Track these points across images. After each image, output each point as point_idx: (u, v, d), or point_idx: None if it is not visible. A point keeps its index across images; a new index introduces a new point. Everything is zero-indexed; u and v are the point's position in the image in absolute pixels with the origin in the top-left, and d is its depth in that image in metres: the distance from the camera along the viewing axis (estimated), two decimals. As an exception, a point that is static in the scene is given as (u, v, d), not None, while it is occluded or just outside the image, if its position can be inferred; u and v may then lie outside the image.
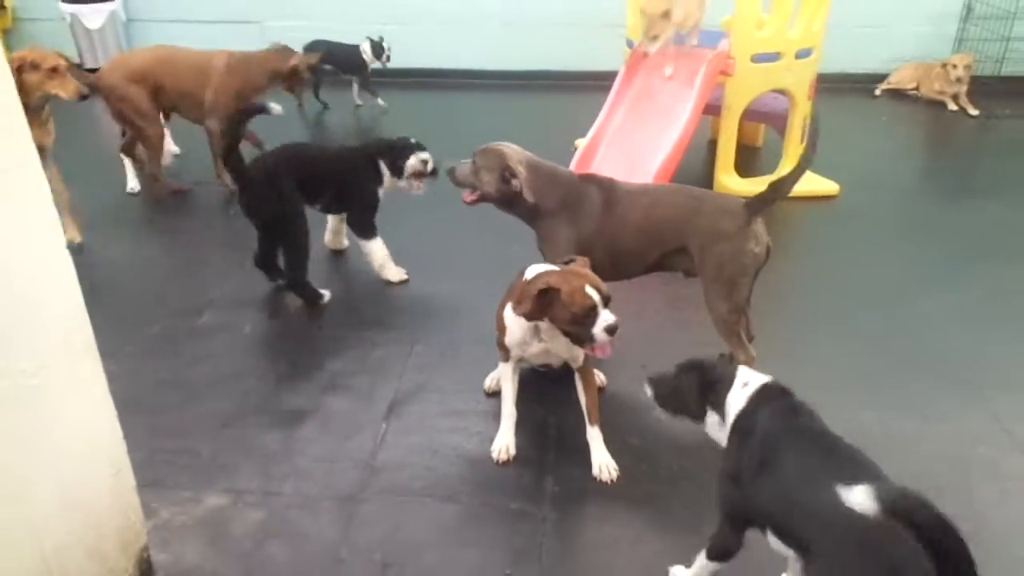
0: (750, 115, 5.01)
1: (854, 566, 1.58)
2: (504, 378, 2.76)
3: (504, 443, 2.72)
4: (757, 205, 2.84)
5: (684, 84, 4.49)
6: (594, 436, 2.68)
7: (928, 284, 3.88)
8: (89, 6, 7.17)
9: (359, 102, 6.66)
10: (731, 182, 4.81)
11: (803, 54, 4.63)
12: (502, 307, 2.69)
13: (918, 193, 5.18)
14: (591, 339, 2.39)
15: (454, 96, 7.06)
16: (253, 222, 3.63)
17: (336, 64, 6.41)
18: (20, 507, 1.68)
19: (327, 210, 3.95)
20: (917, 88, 6.90)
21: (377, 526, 2.44)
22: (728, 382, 2.03)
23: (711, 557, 2.07)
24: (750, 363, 2.82)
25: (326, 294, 3.68)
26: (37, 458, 1.73)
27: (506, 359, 2.72)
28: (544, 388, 3.03)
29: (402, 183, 3.78)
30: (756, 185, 4.82)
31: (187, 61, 4.77)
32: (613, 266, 2.92)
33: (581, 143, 4.77)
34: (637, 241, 2.93)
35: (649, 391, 2.18)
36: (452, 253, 4.17)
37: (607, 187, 3.01)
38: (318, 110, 6.56)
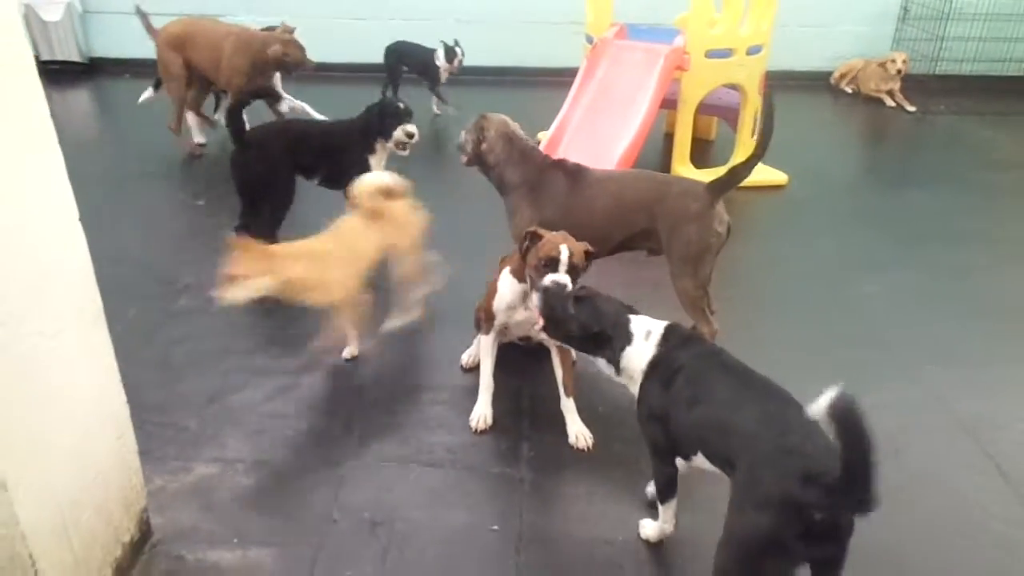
0: (704, 109, 5.25)
1: (774, 472, 1.77)
2: (484, 351, 2.92)
3: (482, 413, 2.88)
4: (719, 188, 3.05)
5: (643, 78, 4.70)
6: (569, 407, 2.86)
7: (870, 267, 4.15)
8: (45, -2, 7.11)
9: (437, 111, 6.40)
10: (687, 173, 5.03)
11: (754, 50, 4.88)
12: (497, 273, 2.88)
13: (860, 183, 5.50)
14: (536, 288, 2.53)
15: (413, 91, 7.16)
16: (237, 184, 3.83)
17: (410, 67, 6.33)
18: (40, 460, 1.78)
19: (326, 184, 3.99)
20: (856, 85, 7.25)
21: (366, 490, 2.58)
22: (625, 337, 2.23)
23: (660, 495, 2.30)
24: (714, 335, 3.04)
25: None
26: (53, 416, 1.84)
27: (488, 331, 2.89)
28: (518, 361, 3.19)
29: (389, 144, 3.91)
30: (710, 175, 5.06)
31: (205, 37, 5.15)
32: None
33: (544, 136, 4.95)
34: (605, 224, 3.10)
35: (537, 302, 2.38)
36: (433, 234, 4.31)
37: (574, 173, 3.19)
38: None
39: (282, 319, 3.53)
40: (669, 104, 5.02)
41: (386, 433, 2.85)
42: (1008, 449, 2.81)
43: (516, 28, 7.28)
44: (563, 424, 2.85)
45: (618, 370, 2.28)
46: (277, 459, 2.71)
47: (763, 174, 5.12)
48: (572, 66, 5.33)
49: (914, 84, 6.98)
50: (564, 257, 2.54)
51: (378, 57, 6.33)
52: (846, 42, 7.44)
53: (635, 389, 2.26)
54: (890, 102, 6.95)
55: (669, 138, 5.36)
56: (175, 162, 5.10)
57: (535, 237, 2.63)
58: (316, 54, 7.32)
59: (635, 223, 3.10)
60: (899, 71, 6.81)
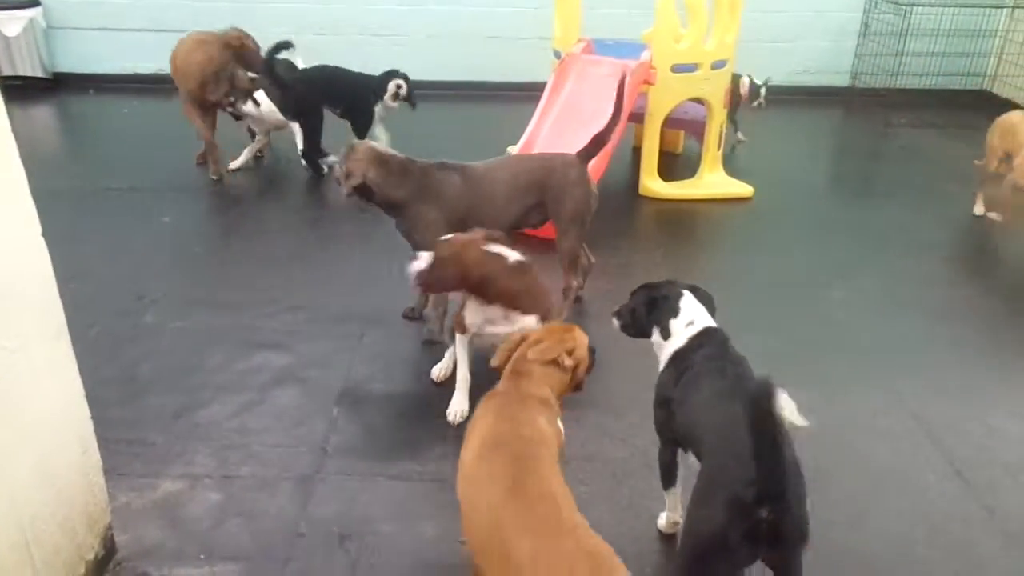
0: (671, 123, 5.32)
1: (723, 474, 1.85)
2: (460, 346, 2.97)
3: (460, 407, 2.94)
4: (586, 156, 3.54)
5: (609, 92, 4.74)
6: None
7: (834, 275, 4.22)
8: (6, 12, 7.00)
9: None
10: (655, 185, 5.10)
11: (718, 65, 4.96)
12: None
13: (825, 194, 5.61)
14: None
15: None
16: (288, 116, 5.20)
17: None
18: (0, 476, 1.76)
19: (343, 115, 5.38)
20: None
21: (334, 504, 2.57)
22: (673, 311, 2.32)
23: (662, 481, 2.38)
24: (578, 289, 3.65)
25: (330, 159, 4.93)
26: (17, 430, 1.81)
27: (463, 331, 2.94)
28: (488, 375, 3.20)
29: (387, 100, 5.29)
30: (678, 188, 5.16)
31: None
32: None
33: (513, 149, 4.98)
34: (506, 205, 3.44)
35: (616, 322, 2.49)
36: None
37: (461, 170, 3.40)
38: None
39: (250, 336, 3.52)
40: (636, 118, 5.08)
41: (354, 447, 2.84)
42: (968, 454, 2.87)
43: (484, 43, 7.32)
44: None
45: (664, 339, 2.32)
46: (244, 474, 2.68)
47: (729, 187, 5.20)
48: (540, 80, 5.38)
49: (875, 98, 7.12)
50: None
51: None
52: (809, 57, 7.58)
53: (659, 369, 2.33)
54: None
55: (637, 152, 5.42)
56: (140, 178, 5.06)
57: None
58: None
59: (529, 199, 3.48)
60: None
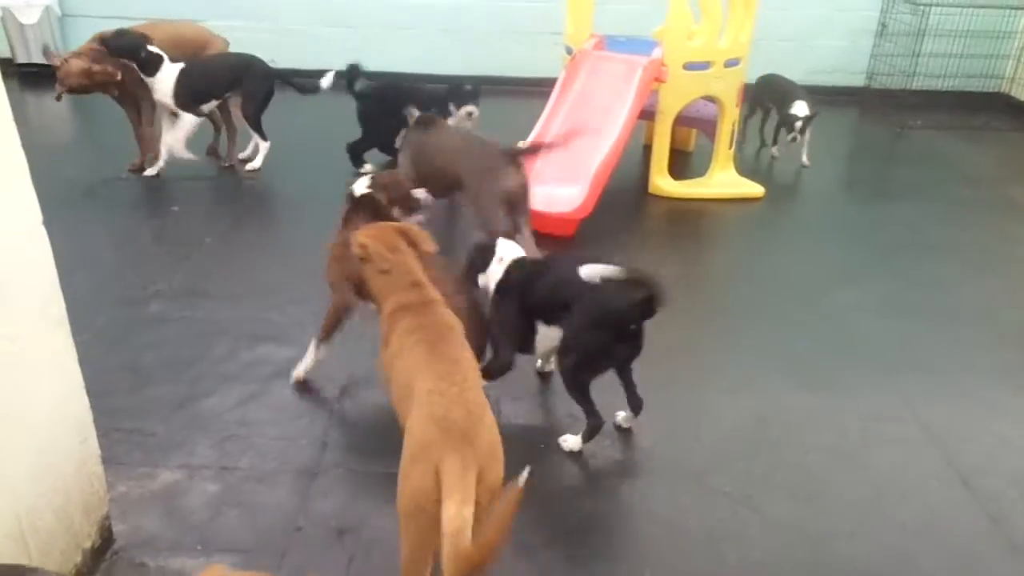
0: (682, 120, 5.28)
1: (605, 304, 2.67)
2: None
3: None
4: (516, 154, 3.94)
5: (620, 89, 4.72)
6: None
7: (846, 278, 4.18)
8: (23, 0, 7.05)
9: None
10: (665, 183, 5.07)
11: (731, 63, 4.91)
12: None
13: (837, 196, 5.54)
14: None
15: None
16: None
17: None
18: (-2, 465, 1.76)
19: None
20: None
21: (333, 498, 2.56)
22: (489, 258, 2.97)
23: (490, 376, 2.85)
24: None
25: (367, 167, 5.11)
26: (15, 419, 1.81)
27: None
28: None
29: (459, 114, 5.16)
30: (688, 187, 5.12)
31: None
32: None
33: (523, 145, 4.94)
34: (439, 172, 3.94)
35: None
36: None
37: (427, 123, 4.22)
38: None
39: (254, 327, 3.51)
40: (648, 115, 5.05)
41: (354, 442, 2.84)
42: (973, 461, 2.84)
43: (497, 38, 7.29)
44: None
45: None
46: (244, 466, 2.68)
47: (740, 186, 5.16)
48: (551, 76, 5.35)
49: (890, 99, 7.05)
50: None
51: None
52: (824, 57, 7.50)
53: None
54: None
55: (649, 149, 5.37)
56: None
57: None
58: (290, 60, 7.37)
59: (451, 171, 3.94)
60: None
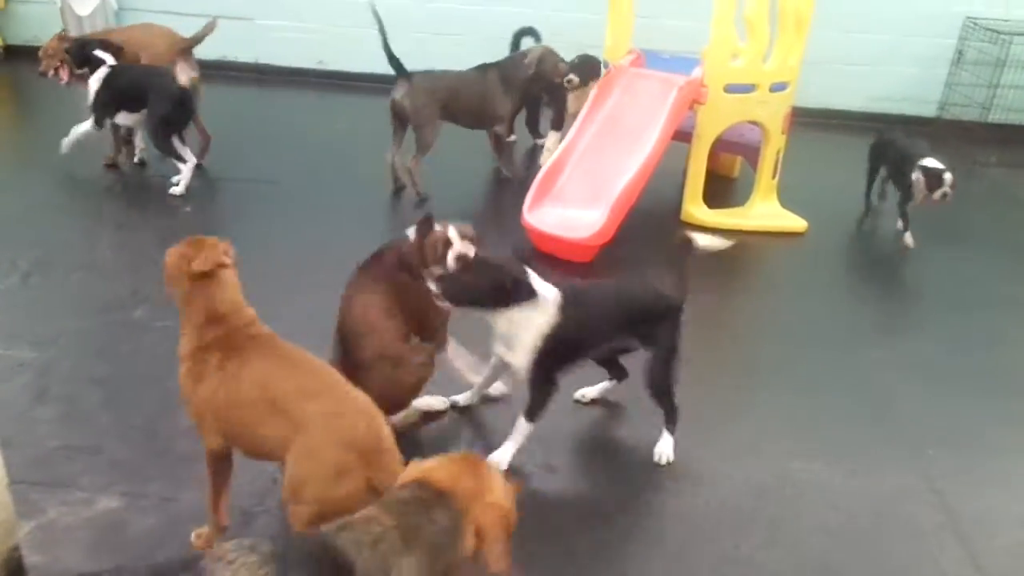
0: (724, 145, 4.96)
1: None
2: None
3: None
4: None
5: (654, 109, 4.43)
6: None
7: (882, 330, 3.81)
8: (81, -9, 7.14)
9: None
10: (699, 212, 4.74)
11: (778, 88, 4.57)
12: None
13: (888, 235, 5.03)
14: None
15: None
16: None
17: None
18: None
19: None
20: None
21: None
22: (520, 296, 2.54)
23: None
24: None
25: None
26: None
27: None
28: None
29: None
30: (724, 217, 4.78)
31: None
32: None
33: (545, 165, 4.70)
34: None
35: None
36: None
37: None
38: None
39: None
40: (684, 137, 4.73)
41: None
42: (1000, 561, 2.47)
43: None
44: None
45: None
46: (187, 498, 2.50)
47: (780, 219, 4.81)
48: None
49: (963, 133, 6.55)
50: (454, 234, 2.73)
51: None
52: (893, 84, 7.02)
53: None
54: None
55: (689, 174, 5.06)
56: (171, 165, 4.98)
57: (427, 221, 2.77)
58: (338, 63, 7.26)
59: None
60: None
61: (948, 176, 4.48)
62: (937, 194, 4.51)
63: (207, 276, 2.12)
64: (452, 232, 2.75)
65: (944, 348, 3.68)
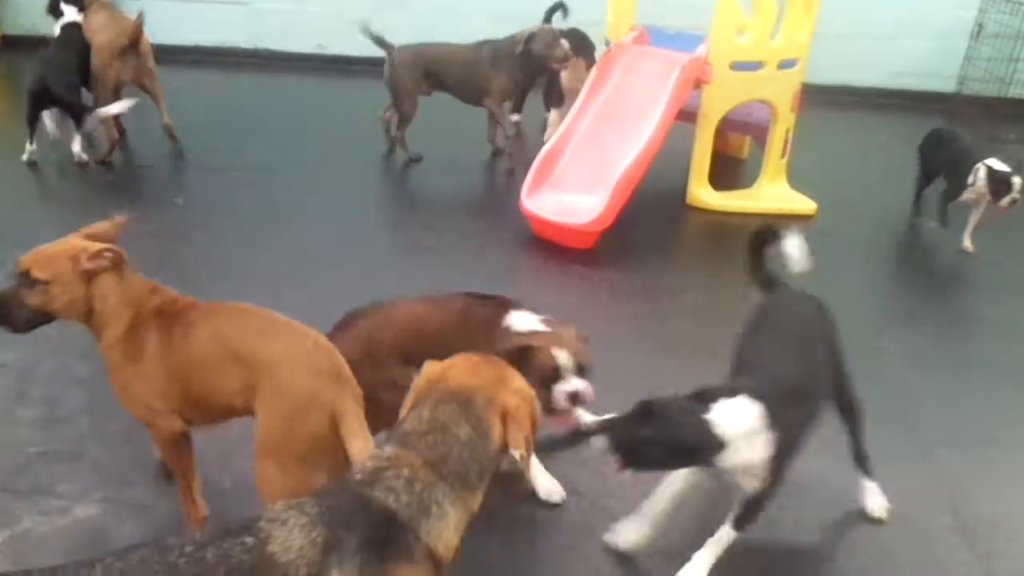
0: (732, 125, 4.81)
1: None
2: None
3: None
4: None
5: (656, 88, 4.28)
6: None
7: (894, 320, 3.67)
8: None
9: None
10: (704, 194, 4.61)
11: (786, 64, 4.40)
12: None
13: (900, 220, 4.84)
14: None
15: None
16: None
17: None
18: None
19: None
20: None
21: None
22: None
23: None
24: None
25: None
26: None
27: None
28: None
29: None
30: (730, 199, 4.63)
31: None
32: None
33: (545, 146, 4.55)
34: None
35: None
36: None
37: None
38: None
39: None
40: (687, 117, 4.57)
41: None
42: (1010, 566, 2.34)
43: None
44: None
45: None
46: (164, 508, 2.43)
47: (789, 201, 4.65)
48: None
49: (982, 108, 6.33)
50: (565, 362, 2.20)
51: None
52: (910, 58, 6.81)
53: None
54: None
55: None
56: (166, 155, 4.90)
57: (527, 351, 2.19)
58: (340, 47, 7.11)
59: None
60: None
61: (1018, 180, 3.99)
62: (1005, 200, 4.02)
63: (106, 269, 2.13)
64: (562, 356, 2.17)
65: (960, 338, 3.55)
